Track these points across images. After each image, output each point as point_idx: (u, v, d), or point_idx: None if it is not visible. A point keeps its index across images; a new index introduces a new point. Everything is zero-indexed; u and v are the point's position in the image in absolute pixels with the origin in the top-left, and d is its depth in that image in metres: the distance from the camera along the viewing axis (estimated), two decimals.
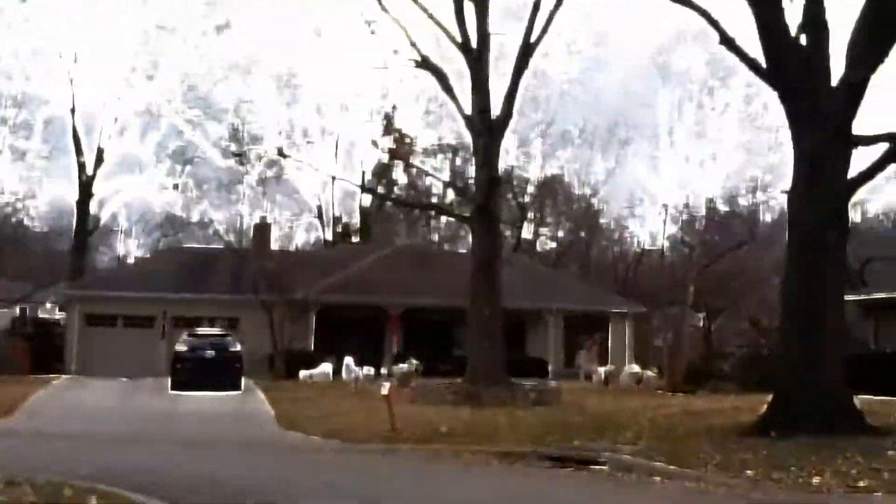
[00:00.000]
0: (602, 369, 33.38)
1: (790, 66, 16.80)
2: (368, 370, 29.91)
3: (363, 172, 52.01)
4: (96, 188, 50.70)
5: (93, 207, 52.90)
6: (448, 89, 26.88)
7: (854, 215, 45.20)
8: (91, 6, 46.54)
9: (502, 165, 53.05)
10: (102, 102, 49.48)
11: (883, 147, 16.77)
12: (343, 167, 53.13)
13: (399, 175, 55.56)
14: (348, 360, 30.38)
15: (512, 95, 26.43)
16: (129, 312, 37.38)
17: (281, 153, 34.23)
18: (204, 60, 48.26)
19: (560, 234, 63.84)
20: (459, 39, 26.24)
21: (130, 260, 60.52)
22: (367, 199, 55.56)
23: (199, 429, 19.25)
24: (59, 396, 26.48)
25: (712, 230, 43.19)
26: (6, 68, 47.58)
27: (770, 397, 17.21)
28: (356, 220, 56.53)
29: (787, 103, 17.22)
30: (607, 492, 11.78)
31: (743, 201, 54.08)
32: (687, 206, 51.01)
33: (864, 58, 16.33)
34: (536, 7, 25.72)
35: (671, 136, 50.52)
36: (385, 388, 18.96)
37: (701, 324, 43.94)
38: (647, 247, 61.09)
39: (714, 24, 17.39)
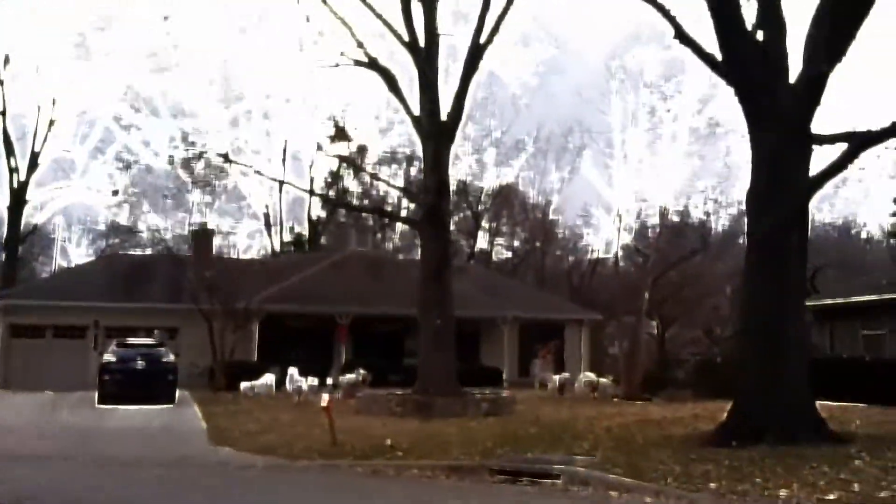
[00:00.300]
0: (557, 377, 32.29)
1: (747, 61, 16.02)
2: (313, 381, 28.43)
3: (311, 179, 50.59)
4: (30, 194, 48.74)
5: (37, 217, 51.20)
6: (396, 90, 25.70)
7: None
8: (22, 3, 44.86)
9: (456, 174, 53.41)
10: (37, 105, 47.57)
11: (842, 147, 15.89)
12: (292, 174, 51.88)
13: (352, 184, 54.56)
14: (292, 370, 28.90)
15: (461, 97, 25.33)
16: (59, 322, 35.52)
17: (226, 158, 32.71)
18: (143, 60, 46.44)
19: (515, 244, 63.06)
20: (406, 38, 25.11)
21: None
22: (316, 209, 54.23)
23: (121, 446, 17.76)
24: None
25: (666, 239, 42.47)
26: None
27: (729, 405, 16.36)
28: (306, 230, 55.07)
29: (745, 101, 16.43)
30: None
31: (694, 211, 53.74)
32: (640, 214, 50.51)
33: (823, 52, 15.52)
34: (486, 6, 24.73)
35: (624, 146, 49.76)
36: (324, 400, 17.65)
37: (655, 332, 43.35)
38: (601, 255, 60.59)
39: (669, 18, 16.52)
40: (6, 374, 34.53)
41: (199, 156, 35.24)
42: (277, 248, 52.17)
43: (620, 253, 58.80)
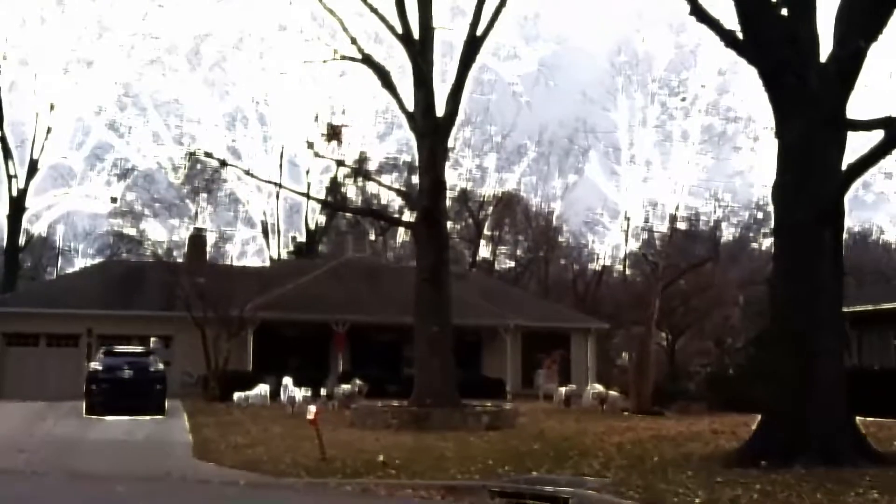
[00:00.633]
0: (563, 389, 31.01)
1: (772, 39, 14.69)
2: (307, 391, 27.24)
3: (308, 184, 49.34)
4: (30, 202, 47.71)
5: (38, 225, 50.19)
6: (389, 86, 24.61)
7: None
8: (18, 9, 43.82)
9: (457, 180, 52.28)
10: (35, 112, 46.52)
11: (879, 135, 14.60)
12: (290, 180, 50.70)
13: (352, 193, 53.62)
14: (286, 380, 27.74)
15: (458, 92, 24.25)
16: (52, 331, 34.53)
17: (222, 162, 31.67)
18: (139, 65, 45.43)
19: (518, 252, 61.92)
20: (400, 30, 24.03)
21: None
22: (314, 217, 53.08)
23: (98, 460, 16.60)
24: None
25: (675, 245, 41.21)
26: None
27: (746, 419, 15.07)
28: (304, 239, 53.89)
29: (770, 83, 15.07)
30: None
31: (705, 216, 52.52)
32: (647, 219, 49.20)
33: (858, 27, 14.19)
34: None
35: (631, 148, 48.12)
36: (311, 412, 16.45)
37: (664, 343, 42.09)
38: (607, 264, 59.41)
39: None
40: (1, 384, 33.47)
41: (194, 158, 34.34)
42: (275, 255, 51.01)
43: (628, 261, 57.77)
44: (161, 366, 26.69)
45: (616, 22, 59.21)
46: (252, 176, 30.13)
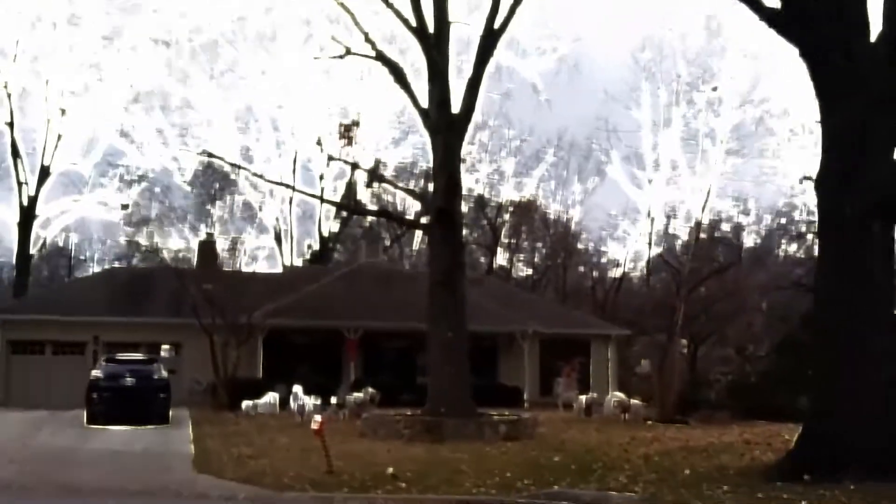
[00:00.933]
0: (583, 397, 29.87)
1: (817, 15, 13.52)
2: (318, 400, 26.18)
3: (321, 189, 48.36)
4: (40, 209, 46.98)
5: (49, 232, 49.45)
6: (403, 82, 23.65)
7: None
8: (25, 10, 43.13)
9: (474, 185, 51.22)
10: (46, 118, 45.78)
11: None
12: (302, 185, 49.78)
13: (366, 199, 52.65)
14: (296, 388, 26.73)
15: (474, 87, 23.20)
16: (59, 338, 33.73)
17: (235, 166, 30.76)
18: (150, 69, 44.65)
19: (536, 259, 60.81)
20: (414, 24, 23.05)
21: None
22: (327, 224, 52.09)
23: (92, 472, 15.62)
24: None
25: (701, 249, 39.91)
26: None
27: (778, 428, 13.98)
28: (317, 245, 52.91)
29: (814, 64, 13.94)
30: None
31: (728, 220, 51.15)
32: (669, 223, 47.85)
33: None
34: None
35: (656, 149, 46.47)
36: (316, 422, 15.43)
37: (685, 350, 40.88)
38: (627, 269, 58.16)
39: None
40: (6, 392, 32.89)
41: (205, 161, 33.44)
42: (288, 262, 50.04)
43: (650, 265, 56.53)
44: (165, 373, 25.70)
45: (639, 16, 57.13)
46: (263, 179, 29.13)
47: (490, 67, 24.62)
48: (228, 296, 32.15)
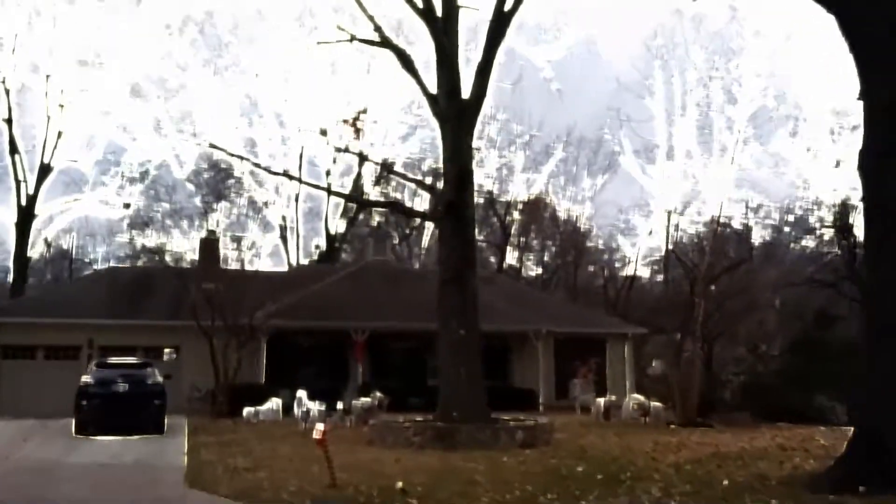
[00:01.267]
0: (601, 400, 28.52)
1: None
2: (323, 405, 24.85)
3: (328, 184, 46.94)
4: (40, 209, 45.79)
5: (48, 232, 48.29)
6: (410, 68, 22.28)
7: None
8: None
9: (483, 180, 49.88)
10: (46, 115, 44.62)
11: None
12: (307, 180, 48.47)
13: (374, 196, 51.44)
14: (300, 393, 25.38)
15: (485, 72, 21.84)
16: (51, 342, 32.20)
17: (240, 157, 29.35)
18: (151, 63, 43.48)
19: (545, 258, 59.49)
20: (421, 5, 21.77)
21: None
22: (333, 222, 50.76)
23: (74, 487, 14.33)
24: None
25: (719, 244, 38.47)
26: None
27: (811, 431, 12.68)
28: (324, 244, 51.59)
29: (854, 35, 12.68)
30: None
31: (742, 215, 49.60)
32: (681, 218, 46.25)
33: None
34: None
35: (670, 139, 44.70)
36: (318, 430, 14.12)
37: (701, 349, 39.52)
38: (639, 266, 56.80)
39: None
40: None
41: (209, 152, 32.07)
42: (294, 261, 48.74)
43: (664, 262, 55.11)
44: (160, 378, 24.20)
45: (651, 3, 54.98)
46: (268, 171, 27.70)
47: (500, 57, 23.30)
48: (230, 296, 30.86)
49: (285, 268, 47.63)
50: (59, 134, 45.02)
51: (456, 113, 21.37)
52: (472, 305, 21.22)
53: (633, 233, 56.14)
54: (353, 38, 23.07)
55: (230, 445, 19.93)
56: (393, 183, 49.17)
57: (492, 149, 52.70)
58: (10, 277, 46.72)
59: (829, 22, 13.39)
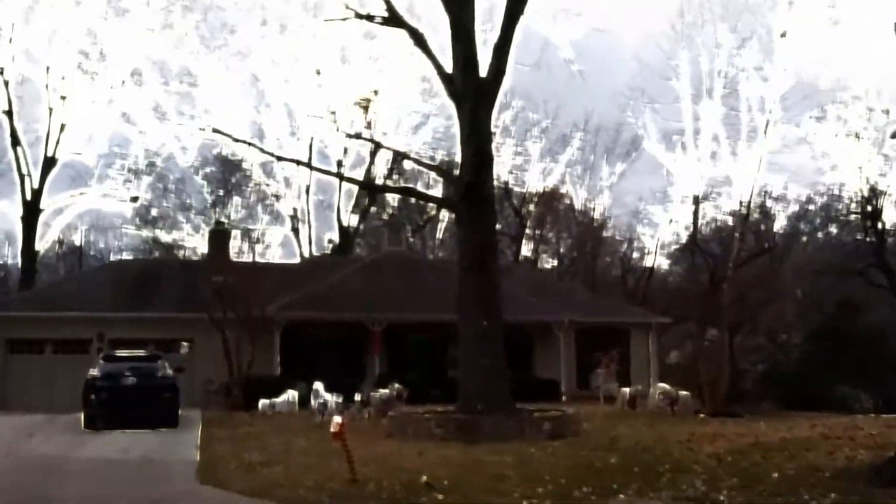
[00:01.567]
0: (627, 390, 27.63)
1: None
2: (340, 397, 24.03)
3: (340, 166, 45.88)
4: (45, 203, 45.01)
5: (56, 227, 47.62)
6: (423, 45, 21.35)
7: None
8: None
9: (499, 170, 48.75)
10: (48, 107, 43.84)
11: None
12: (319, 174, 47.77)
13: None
14: (317, 385, 24.58)
15: (503, 48, 20.80)
16: (59, 336, 31.37)
17: (246, 143, 28.37)
18: (155, 51, 42.67)
19: (562, 250, 58.57)
20: None
21: None
22: (345, 215, 49.85)
23: (79, 484, 13.59)
24: None
25: (745, 232, 37.34)
26: None
27: (850, 420, 11.80)
28: (337, 237, 50.70)
29: None
30: None
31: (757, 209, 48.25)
32: (703, 205, 45.04)
33: None
34: None
35: (697, 122, 42.94)
36: (335, 423, 13.27)
37: (724, 338, 38.60)
38: (659, 256, 55.81)
39: None
40: (4, 395, 30.61)
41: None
42: (307, 254, 47.83)
43: (693, 245, 54.08)
44: (170, 371, 23.37)
45: None
46: (275, 156, 26.66)
47: (517, 38, 22.21)
48: (241, 288, 30.07)
49: (297, 260, 46.73)
50: (62, 126, 44.18)
51: (473, 90, 20.41)
52: (493, 294, 20.34)
53: (652, 222, 55.11)
54: (364, 16, 22.14)
55: (245, 439, 19.17)
56: (405, 174, 48.31)
57: (507, 138, 51.62)
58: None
59: None
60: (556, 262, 58.38)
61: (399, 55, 41.36)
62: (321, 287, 32.85)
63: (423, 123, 48.94)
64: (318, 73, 42.93)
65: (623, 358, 34.49)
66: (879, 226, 38.86)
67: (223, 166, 41.55)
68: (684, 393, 25.91)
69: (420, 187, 48.01)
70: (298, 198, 48.48)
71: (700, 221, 47.44)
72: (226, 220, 36.18)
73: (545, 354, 33.96)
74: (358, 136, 25.73)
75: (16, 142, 43.70)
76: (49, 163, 44.27)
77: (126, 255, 50.44)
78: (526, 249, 56.05)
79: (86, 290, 33.80)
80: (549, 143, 54.34)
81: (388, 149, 27.31)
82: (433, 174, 43.97)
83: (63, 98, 43.20)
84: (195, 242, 38.95)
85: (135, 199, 44.83)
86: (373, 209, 52.47)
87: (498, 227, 50.13)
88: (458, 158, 22.42)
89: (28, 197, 44.06)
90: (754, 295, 36.32)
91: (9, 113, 43.19)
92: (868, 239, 38.99)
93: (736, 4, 40.20)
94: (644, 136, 49.16)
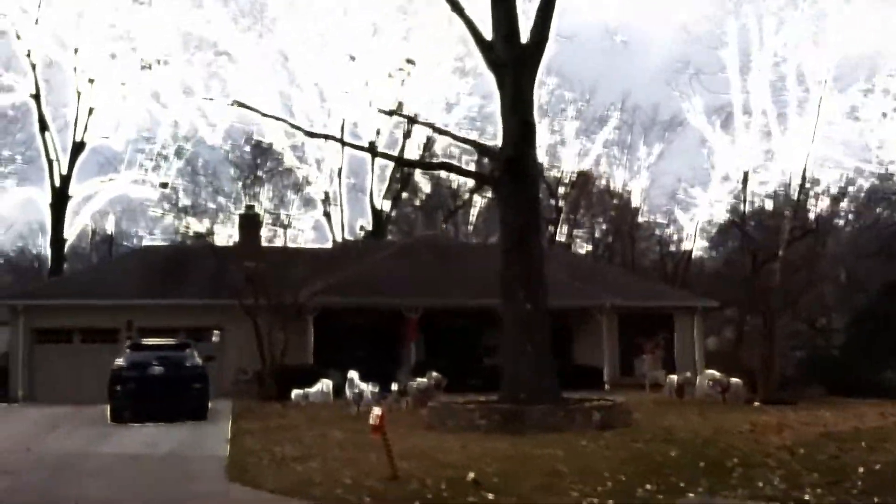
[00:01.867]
0: (674, 377, 26.41)
1: None
2: (376, 387, 23.02)
3: (373, 143, 44.58)
4: (73, 190, 44.36)
5: (84, 214, 47.00)
6: (459, 10, 20.15)
7: None
8: None
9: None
10: (76, 91, 43.14)
11: None
12: (350, 159, 46.76)
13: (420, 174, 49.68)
14: (352, 374, 23.59)
15: (547, 11, 19.58)
16: (87, 325, 30.58)
17: (272, 117, 27.24)
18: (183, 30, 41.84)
19: (596, 234, 57.22)
20: None
21: None
22: (378, 199, 48.79)
23: (100, 483, 12.68)
24: None
25: (802, 209, 35.74)
26: None
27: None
28: (370, 224, 49.68)
29: None
30: None
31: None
32: (746, 179, 43.13)
33: None
34: None
35: (747, 95, 40.73)
36: (374, 416, 12.25)
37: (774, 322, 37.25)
38: (698, 239, 54.23)
39: None
40: (31, 386, 30.05)
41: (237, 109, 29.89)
42: (339, 239, 46.84)
43: (719, 237, 52.70)
44: (199, 360, 22.40)
45: None
46: (305, 132, 25.45)
47: (558, 6, 21.00)
48: (273, 273, 29.16)
49: (329, 245, 45.74)
50: (90, 110, 43.50)
51: (515, 58, 19.23)
52: (538, 275, 19.20)
53: (691, 204, 53.50)
54: None
55: (277, 431, 18.21)
56: (438, 157, 47.14)
57: (542, 118, 50.26)
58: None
59: None
60: (590, 247, 57.06)
61: (431, 33, 40.40)
62: (354, 272, 31.88)
63: (455, 104, 47.72)
64: (353, 59, 41.98)
65: (668, 343, 33.25)
66: None
67: (254, 151, 40.69)
68: (735, 380, 24.66)
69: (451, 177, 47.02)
70: (331, 183, 47.48)
71: (743, 202, 45.75)
72: (255, 203, 35.25)
73: (585, 340, 32.72)
74: (392, 112, 24.62)
75: (44, 126, 43.05)
76: (77, 147, 43.63)
77: (156, 242, 49.71)
78: (559, 234, 54.77)
79: (114, 277, 33.07)
80: (585, 122, 52.95)
81: (424, 124, 26.08)
82: (467, 156, 43.04)
83: (91, 81, 42.43)
84: (225, 229, 38.13)
85: (164, 185, 43.97)
86: (404, 195, 51.47)
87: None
88: (492, 140, 21.12)
89: (57, 183, 43.44)
90: (796, 278, 35.05)
91: (36, 97, 42.54)
92: None
93: None
94: (689, 109, 47.32)
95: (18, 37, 41.46)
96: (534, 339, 18.68)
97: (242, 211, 35.06)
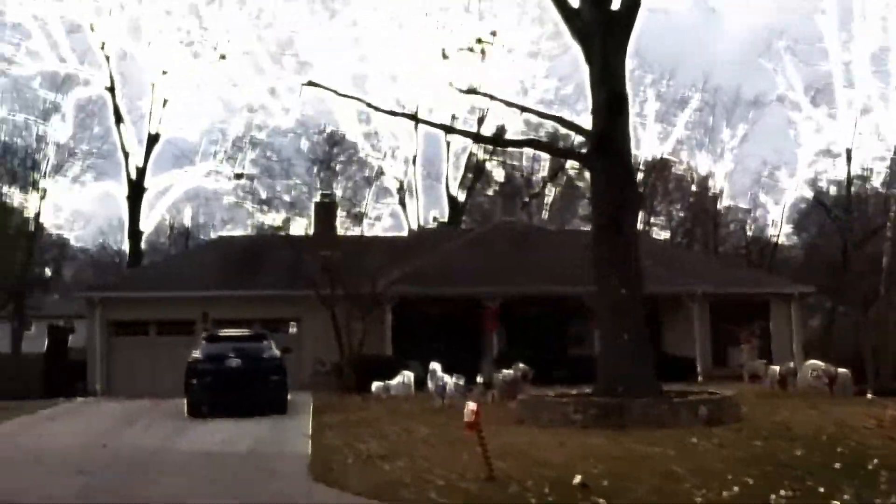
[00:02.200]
0: (776, 367, 24.81)
1: None
2: (459, 379, 21.93)
3: (447, 143, 43.62)
4: (148, 182, 44.20)
5: (161, 206, 46.94)
6: None
7: None
8: None
9: None
10: (150, 83, 42.97)
11: None
12: (425, 147, 45.85)
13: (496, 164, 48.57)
14: (434, 365, 22.53)
15: None
16: (163, 317, 30.27)
17: (346, 95, 26.27)
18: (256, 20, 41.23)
19: (672, 222, 55.35)
20: None
21: None
22: (453, 185, 47.75)
23: (176, 483, 11.87)
24: (32, 427, 19.53)
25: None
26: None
27: None
28: (446, 211, 48.71)
29: None
30: None
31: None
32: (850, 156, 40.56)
33: None
34: None
35: (847, 65, 38.11)
36: (469, 411, 11.16)
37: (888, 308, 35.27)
38: (785, 224, 52.06)
39: None
40: (108, 379, 29.72)
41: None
42: (414, 226, 45.99)
43: (806, 221, 50.58)
44: (277, 352, 21.57)
45: None
46: (379, 110, 24.41)
47: None
48: (349, 263, 28.29)
49: (405, 234, 44.87)
50: (165, 102, 43.35)
51: (604, 25, 17.89)
52: (632, 257, 17.85)
53: (777, 188, 51.32)
54: None
55: (360, 426, 17.24)
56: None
57: None
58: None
59: None
60: (667, 234, 55.23)
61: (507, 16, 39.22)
62: (432, 261, 30.90)
63: (531, 88, 46.31)
64: (445, 56, 40.85)
65: (764, 332, 31.57)
66: None
67: (327, 140, 40.04)
68: (843, 370, 22.97)
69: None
70: (405, 173, 46.63)
71: (837, 179, 43.40)
72: (331, 191, 34.50)
73: (675, 329, 31.17)
74: (472, 90, 23.44)
75: (119, 119, 43.00)
76: (152, 139, 43.52)
77: (231, 233, 49.44)
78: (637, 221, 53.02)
79: (189, 268, 32.67)
80: (665, 104, 51.03)
81: (507, 102, 24.79)
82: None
83: (164, 73, 42.17)
84: (300, 219, 37.48)
85: (239, 176, 43.65)
86: (479, 184, 50.39)
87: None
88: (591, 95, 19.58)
89: (133, 176, 43.36)
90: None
91: (111, 89, 42.47)
92: None
93: None
94: (783, 82, 45.11)
95: (93, 29, 41.35)
96: (629, 326, 17.36)
97: (318, 199, 34.40)
